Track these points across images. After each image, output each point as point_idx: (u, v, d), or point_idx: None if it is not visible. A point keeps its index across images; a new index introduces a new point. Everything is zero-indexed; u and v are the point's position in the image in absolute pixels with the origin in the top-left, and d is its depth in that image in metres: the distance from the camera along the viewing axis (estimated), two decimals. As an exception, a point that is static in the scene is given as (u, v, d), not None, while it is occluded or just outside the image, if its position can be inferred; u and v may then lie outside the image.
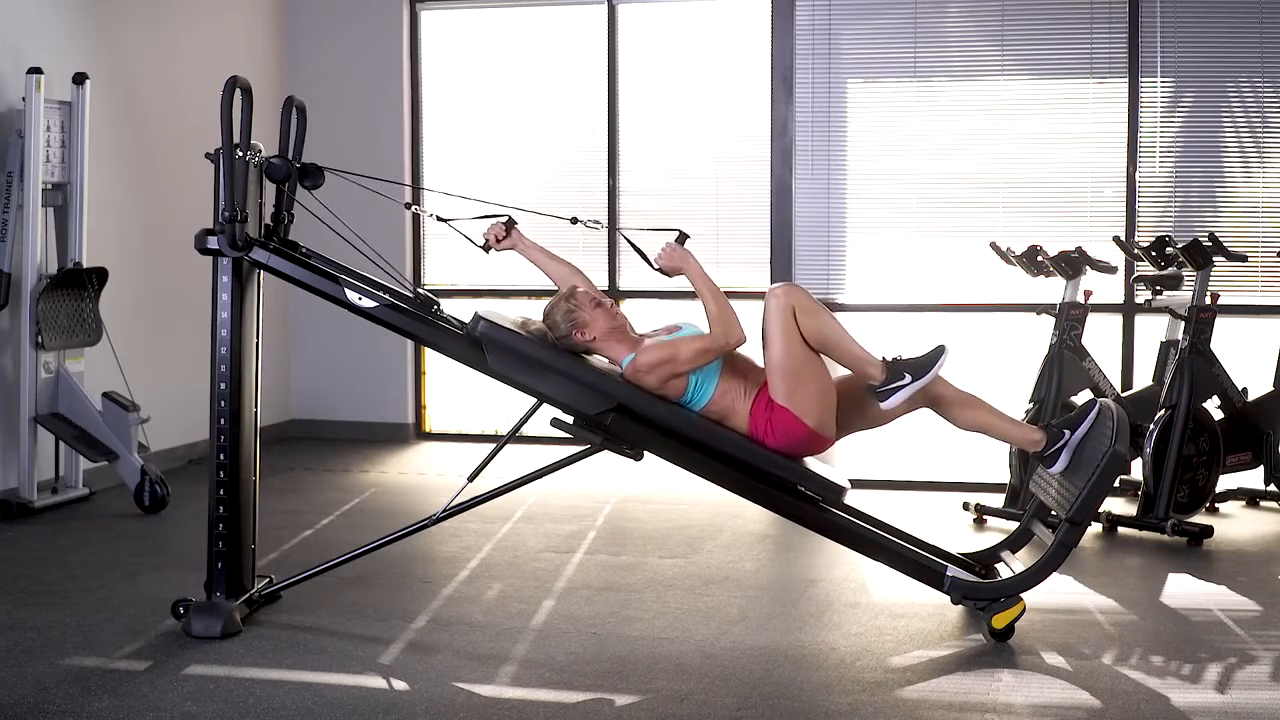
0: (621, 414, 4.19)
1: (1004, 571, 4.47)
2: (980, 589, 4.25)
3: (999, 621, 4.17)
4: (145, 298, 6.80)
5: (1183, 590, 4.82)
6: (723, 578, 4.95)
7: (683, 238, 4.29)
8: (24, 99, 5.77)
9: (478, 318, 4.21)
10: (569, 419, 4.25)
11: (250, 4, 7.71)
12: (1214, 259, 5.62)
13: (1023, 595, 4.20)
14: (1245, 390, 5.90)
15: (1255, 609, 4.58)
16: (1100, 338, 6.32)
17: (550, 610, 4.52)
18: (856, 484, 6.33)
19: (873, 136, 7.04)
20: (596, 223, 4.58)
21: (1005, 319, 6.84)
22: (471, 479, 4.32)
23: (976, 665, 3.98)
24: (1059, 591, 4.67)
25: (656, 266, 4.31)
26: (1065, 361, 5.82)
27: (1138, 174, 6.74)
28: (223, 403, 4.24)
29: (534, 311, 4.43)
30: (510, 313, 4.43)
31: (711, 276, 4.25)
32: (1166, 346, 6.00)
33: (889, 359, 4.25)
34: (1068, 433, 4.35)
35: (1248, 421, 5.87)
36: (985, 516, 5.91)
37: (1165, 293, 5.79)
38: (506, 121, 7.82)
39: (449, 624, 4.36)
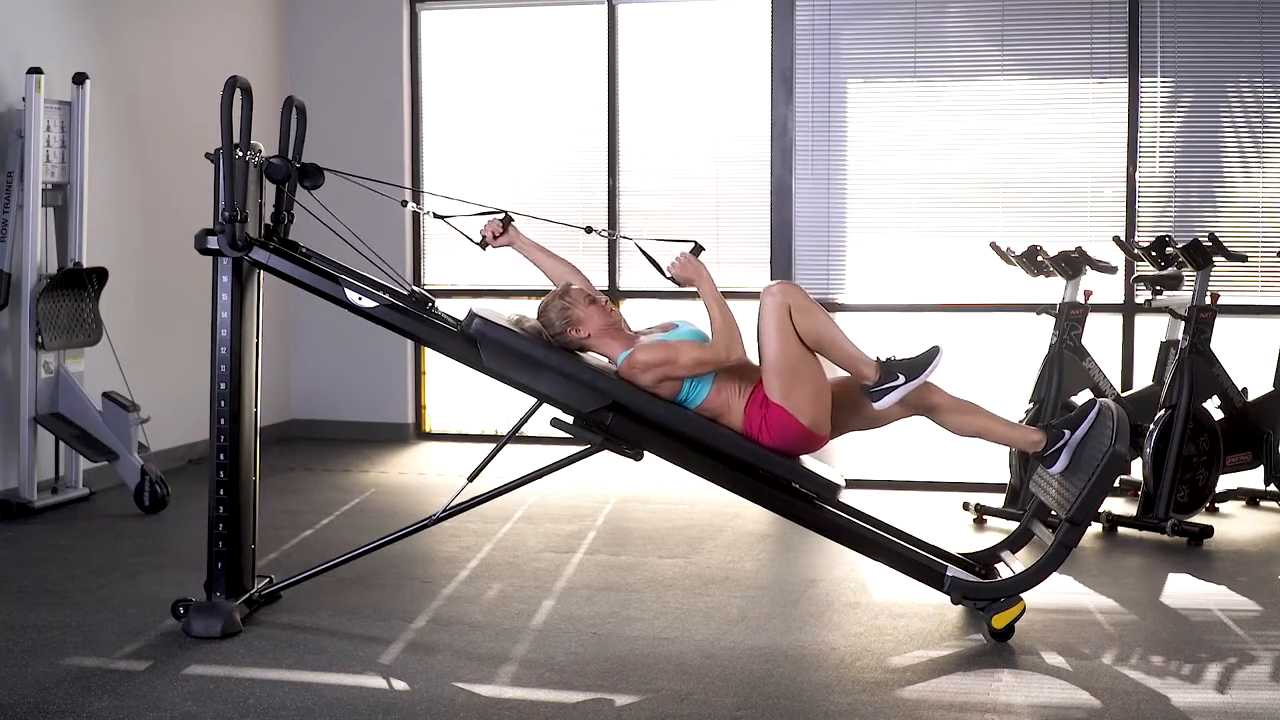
0: (617, 411, 4.19)
1: (1004, 571, 4.47)
2: (980, 589, 4.25)
3: (999, 621, 4.17)
4: (145, 298, 6.80)
5: (1183, 590, 4.82)
6: (723, 578, 4.95)
7: (698, 249, 4.30)
8: (24, 99, 5.78)
9: (472, 315, 4.21)
10: (569, 419, 4.25)
11: (250, 4, 7.71)
12: (1214, 259, 5.62)
13: (1023, 595, 4.20)
14: (1245, 390, 5.90)
15: (1255, 609, 4.58)
16: (1100, 338, 6.32)
17: (550, 610, 4.52)
18: (856, 484, 6.35)
19: (873, 136, 7.04)
20: (613, 233, 4.58)
21: (1005, 319, 6.83)
22: (471, 479, 4.32)
23: (976, 665, 3.98)
24: (1059, 591, 4.67)
25: (669, 275, 4.32)
26: (1065, 361, 5.82)
27: (1138, 174, 6.74)
28: (223, 403, 4.24)
29: (532, 310, 4.43)
30: (507, 311, 4.43)
31: (715, 281, 4.25)
32: (1166, 346, 6.00)
33: (883, 359, 4.25)
34: (1068, 433, 4.35)
35: (1248, 421, 5.87)
36: (985, 516, 5.91)
37: (1165, 293, 5.79)
38: (507, 121, 7.82)
39: (449, 624, 4.36)
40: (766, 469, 4.23)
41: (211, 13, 7.35)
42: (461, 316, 4.31)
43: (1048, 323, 5.94)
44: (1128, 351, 6.74)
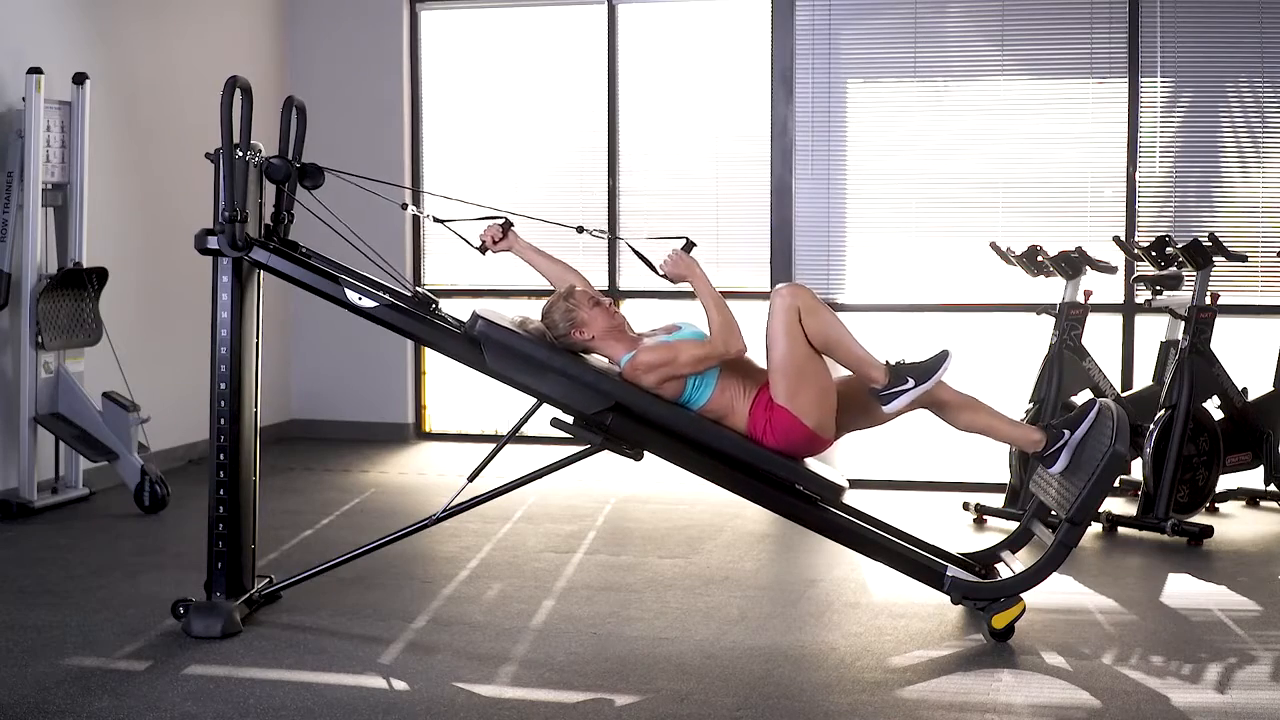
0: (621, 413, 4.19)
1: (1004, 571, 4.47)
2: (980, 589, 4.25)
3: (999, 621, 4.17)
4: (145, 298, 6.80)
5: (1183, 590, 4.82)
6: (723, 578, 4.95)
7: (689, 245, 4.30)
8: (24, 99, 5.78)
9: (476, 316, 4.22)
10: (569, 419, 4.25)
11: (250, 4, 7.71)
12: (1214, 259, 5.62)
13: (1023, 595, 4.20)
14: (1245, 390, 5.90)
15: (1255, 609, 4.58)
16: (1100, 338, 6.32)
17: (550, 610, 4.52)
18: (856, 484, 6.34)
19: (873, 136, 7.03)
20: (603, 232, 4.59)
21: (1005, 319, 6.83)
22: (471, 479, 4.32)
23: (976, 665, 3.98)
24: (1059, 591, 4.67)
25: (661, 273, 4.32)
26: (1065, 361, 5.82)
27: (1138, 174, 6.74)
28: (223, 403, 4.24)
29: (533, 311, 4.43)
30: (509, 312, 4.43)
31: (712, 279, 4.25)
32: (1166, 346, 6.00)
33: (892, 363, 4.25)
34: (1067, 433, 4.35)
35: (1248, 421, 5.87)
36: (985, 516, 5.91)
37: (1165, 293, 5.79)
38: (506, 121, 7.82)
39: (449, 624, 4.36)
40: (770, 471, 4.23)
41: (211, 13, 7.35)
42: (463, 317, 4.31)
43: (1048, 323, 5.94)
44: (1128, 351, 6.73)
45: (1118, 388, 6.20)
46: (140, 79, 6.80)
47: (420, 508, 5.80)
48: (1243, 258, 5.80)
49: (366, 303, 4.24)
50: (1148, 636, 4.25)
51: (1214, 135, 6.68)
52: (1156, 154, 6.73)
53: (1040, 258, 5.97)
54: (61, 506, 5.97)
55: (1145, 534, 5.56)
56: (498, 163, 7.81)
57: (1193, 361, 5.61)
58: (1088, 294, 5.92)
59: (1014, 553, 4.61)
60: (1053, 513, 4.54)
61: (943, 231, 6.94)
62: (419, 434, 8.04)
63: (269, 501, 5.48)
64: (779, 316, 4.16)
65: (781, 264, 7.07)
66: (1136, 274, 6.17)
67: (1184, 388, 5.57)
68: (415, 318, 4.28)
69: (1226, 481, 6.00)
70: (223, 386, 4.23)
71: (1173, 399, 5.58)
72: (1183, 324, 5.68)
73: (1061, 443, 4.35)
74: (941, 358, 4.24)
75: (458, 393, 7.92)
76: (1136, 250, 5.99)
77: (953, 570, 4.30)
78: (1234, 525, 5.78)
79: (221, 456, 4.25)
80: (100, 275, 6.06)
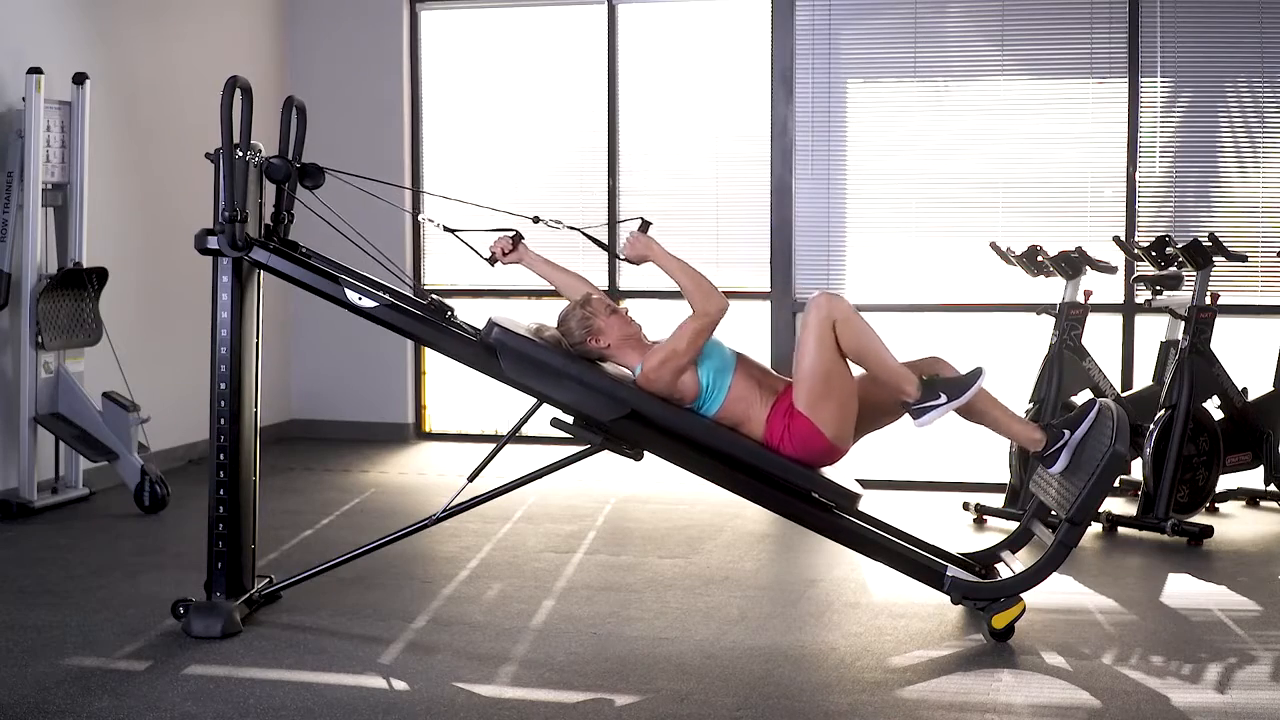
0: (636, 420, 4.19)
1: (1004, 571, 4.47)
2: (980, 589, 4.25)
3: (999, 621, 4.17)
4: (145, 298, 6.80)
5: (1183, 590, 4.82)
6: (723, 578, 4.95)
7: (645, 225, 4.31)
8: (24, 99, 5.78)
9: (491, 324, 4.22)
10: (569, 419, 4.25)
11: (250, 4, 7.71)
12: (1214, 259, 5.62)
13: (1023, 595, 4.20)
14: (1245, 390, 5.90)
15: (1255, 609, 4.58)
16: (1100, 338, 6.32)
17: (550, 610, 4.52)
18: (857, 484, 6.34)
19: (873, 136, 7.04)
20: (558, 222, 4.58)
21: (1005, 319, 6.84)
22: (471, 479, 4.32)
23: (976, 665, 3.98)
24: (1059, 591, 4.67)
25: (622, 257, 4.34)
26: (1065, 361, 5.82)
27: (1137, 174, 6.74)
28: (223, 403, 4.24)
29: (540, 314, 4.43)
30: (520, 317, 4.43)
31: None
32: (1166, 346, 6.00)
33: (925, 377, 4.25)
34: (1067, 433, 4.35)
35: (1248, 421, 5.87)
36: (985, 516, 5.91)
37: (1165, 293, 5.79)
38: (507, 121, 7.82)
39: (449, 624, 4.36)
40: (787, 479, 4.24)
41: (211, 13, 7.35)
42: (463, 317, 4.31)
43: (1048, 323, 5.94)
44: (1128, 351, 6.74)
45: (1118, 388, 6.20)
46: (140, 79, 6.80)
47: (420, 508, 5.80)
48: (1243, 258, 5.80)
49: (367, 303, 4.24)
50: (1148, 636, 4.25)
51: (1214, 135, 6.68)
52: (1156, 154, 6.74)
53: (1040, 258, 5.97)
54: (61, 506, 5.97)
55: (1145, 534, 5.56)
56: (498, 163, 7.81)
57: (1193, 361, 5.61)
58: (1088, 294, 5.92)
59: (1014, 553, 4.61)
60: (1053, 513, 4.54)
61: (943, 231, 6.95)
62: (419, 434, 8.04)
63: (269, 501, 5.48)
64: (813, 326, 4.15)
65: (781, 264, 7.07)
66: (1136, 274, 6.17)
67: (1184, 388, 5.57)
68: (415, 318, 4.27)
69: (1226, 481, 6.00)
70: (223, 386, 4.23)
71: (1173, 399, 5.58)
72: (1183, 324, 5.68)
73: (1061, 443, 4.35)
74: (975, 374, 4.26)
75: (458, 393, 7.92)
76: (1136, 250, 5.99)
77: (953, 570, 4.30)
78: (1234, 525, 5.78)
79: (221, 456, 4.25)
80: (100, 275, 6.05)
